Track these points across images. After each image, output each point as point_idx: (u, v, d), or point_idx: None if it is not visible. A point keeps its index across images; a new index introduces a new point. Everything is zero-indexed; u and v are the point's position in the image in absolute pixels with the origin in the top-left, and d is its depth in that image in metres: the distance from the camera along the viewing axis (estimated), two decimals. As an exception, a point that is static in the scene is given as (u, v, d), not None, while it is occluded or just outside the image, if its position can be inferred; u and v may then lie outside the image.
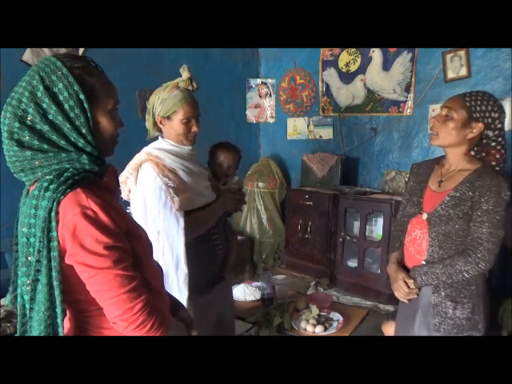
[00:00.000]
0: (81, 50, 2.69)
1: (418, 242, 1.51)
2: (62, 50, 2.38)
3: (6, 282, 2.44)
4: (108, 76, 0.95)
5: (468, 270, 1.38)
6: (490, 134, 1.42)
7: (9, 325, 2.11)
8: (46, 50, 2.61)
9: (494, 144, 1.44)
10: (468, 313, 1.43)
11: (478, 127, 1.39)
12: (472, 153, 1.47)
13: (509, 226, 2.56)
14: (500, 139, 1.43)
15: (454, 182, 1.44)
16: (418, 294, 1.50)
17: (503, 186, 1.35)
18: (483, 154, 1.46)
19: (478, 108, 1.38)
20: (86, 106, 0.86)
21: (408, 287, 1.49)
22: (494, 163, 1.45)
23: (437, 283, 1.44)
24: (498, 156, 1.44)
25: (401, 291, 1.51)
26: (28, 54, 2.54)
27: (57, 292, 0.81)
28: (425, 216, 1.49)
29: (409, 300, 1.52)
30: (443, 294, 1.45)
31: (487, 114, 1.38)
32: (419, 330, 1.51)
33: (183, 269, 1.43)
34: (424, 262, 1.48)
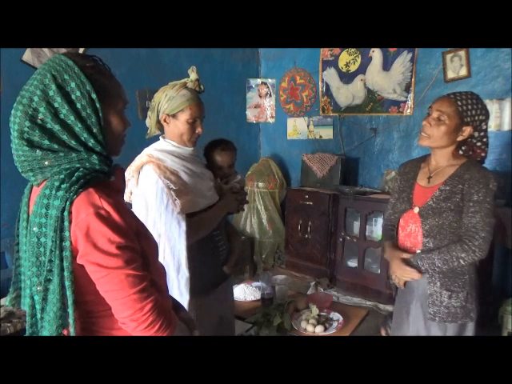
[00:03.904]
0: (81, 50, 2.69)
1: (413, 235, 1.57)
2: (62, 50, 2.38)
3: (6, 282, 2.44)
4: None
5: (464, 257, 1.43)
6: (476, 134, 1.49)
7: (9, 325, 2.11)
8: (46, 50, 2.61)
9: (479, 144, 1.51)
10: (462, 301, 1.49)
11: (467, 131, 1.46)
12: (460, 152, 1.54)
13: (509, 226, 2.58)
14: (485, 139, 1.51)
15: (443, 177, 1.51)
16: (417, 276, 1.52)
17: (490, 177, 1.43)
18: (470, 153, 1.54)
19: (469, 112, 1.44)
20: (97, 105, 0.86)
21: (408, 265, 1.52)
22: (478, 159, 1.53)
23: (433, 269, 1.48)
24: (482, 154, 1.53)
25: (400, 270, 1.53)
26: (28, 54, 2.54)
27: (69, 292, 0.81)
28: (416, 210, 1.55)
29: (405, 285, 1.58)
30: (438, 283, 1.50)
31: (476, 118, 1.45)
32: (414, 319, 1.57)
33: (185, 272, 1.42)
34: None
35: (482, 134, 1.49)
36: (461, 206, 1.45)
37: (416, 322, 1.57)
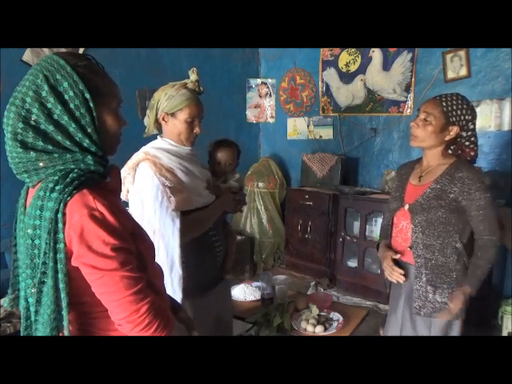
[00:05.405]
0: (81, 50, 2.69)
1: (404, 232, 1.63)
2: (62, 50, 2.37)
3: (6, 282, 2.44)
4: (107, 76, 0.95)
5: (496, 252, 1.53)
6: (464, 134, 1.54)
7: (9, 325, 2.11)
8: (46, 50, 2.61)
9: (467, 143, 1.56)
10: (447, 298, 1.53)
11: (454, 130, 1.52)
12: (449, 151, 1.59)
13: (509, 226, 2.59)
14: (473, 138, 1.56)
15: (434, 176, 1.57)
16: (402, 279, 1.59)
17: (481, 173, 1.54)
18: (459, 152, 1.59)
19: (454, 113, 1.50)
20: (91, 105, 0.85)
21: (397, 266, 1.59)
22: (468, 158, 1.58)
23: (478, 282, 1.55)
24: (472, 153, 1.58)
25: (388, 269, 1.61)
26: (28, 54, 2.54)
27: (63, 294, 0.80)
28: (406, 207, 1.61)
29: (397, 281, 1.62)
30: (424, 279, 1.55)
31: (462, 118, 1.51)
32: (402, 314, 1.64)
33: (178, 270, 1.41)
34: (409, 249, 1.59)
35: (469, 133, 1.54)
36: (454, 205, 1.50)
37: (403, 316, 1.63)
